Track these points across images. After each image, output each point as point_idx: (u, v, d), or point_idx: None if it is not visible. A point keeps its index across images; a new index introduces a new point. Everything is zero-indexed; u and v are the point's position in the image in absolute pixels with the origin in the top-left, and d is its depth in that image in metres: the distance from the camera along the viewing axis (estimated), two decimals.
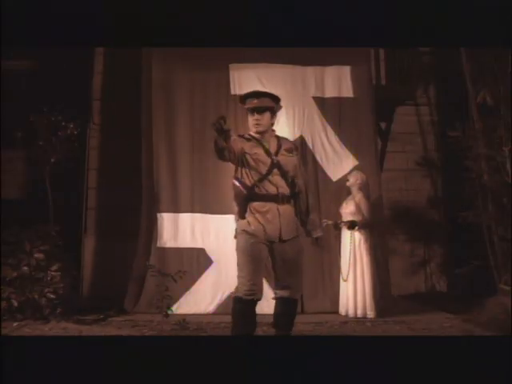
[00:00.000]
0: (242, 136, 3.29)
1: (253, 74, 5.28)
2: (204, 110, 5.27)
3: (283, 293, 3.19)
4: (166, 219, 5.19)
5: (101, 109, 6.25)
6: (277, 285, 3.24)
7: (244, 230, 3.14)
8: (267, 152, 3.22)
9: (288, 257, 3.18)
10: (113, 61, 6.28)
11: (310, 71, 5.43)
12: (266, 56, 5.30)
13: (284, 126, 5.05)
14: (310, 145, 5.33)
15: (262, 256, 3.16)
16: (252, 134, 3.30)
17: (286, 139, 3.48)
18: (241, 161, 3.19)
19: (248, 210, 3.16)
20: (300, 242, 3.30)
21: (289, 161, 3.27)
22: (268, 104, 3.28)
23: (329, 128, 5.37)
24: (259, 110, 3.25)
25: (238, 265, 3.16)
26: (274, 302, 3.26)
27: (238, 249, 3.19)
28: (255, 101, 3.26)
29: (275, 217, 3.16)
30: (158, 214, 5.19)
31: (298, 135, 5.30)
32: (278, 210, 3.17)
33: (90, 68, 6.24)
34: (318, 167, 5.32)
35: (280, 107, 5.20)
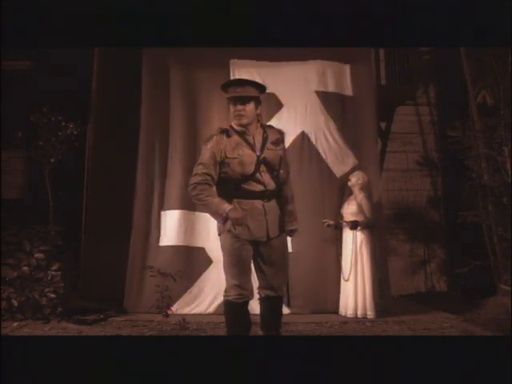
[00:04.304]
0: (223, 132, 3.08)
1: (254, 71, 5.27)
2: (206, 108, 5.27)
3: (269, 292, 3.10)
4: (166, 218, 5.18)
5: (102, 109, 6.23)
6: (263, 285, 3.12)
7: (229, 231, 2.99)
8: (252, 149, 3.04)
9: (276, 256, 3.08)
10: (109, 61, 6.26)
11: (312, 66, 5.40)
12: (267, 54, 5.28)
13: (286, 123, 5.04)
14: (313, 140, 5.29)
15: (249, 258, 3.05)
16: (234, 126, 3.09)
17: (272, 128, 3.23)
18: (222, 165, 3.02)
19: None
20: (285, 237, 3.21)
21: (275, 155, 3.09)
22: (252, 93, 3.03)
23: (332, 123, 5.34)
24: (242, 100, 3.00)
25: (225, 268, 3.08)
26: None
27: (223, 250, 3.09)
28: (238, 89, 3.01)
29: (261, 215, 3.03)
30: (162, 212, 5.18)
31: (299, 131, 5.28)
32: (263, 207, 3.05)
33: (90, 68, 6.23)
34: (323, 164, 5.29)
35: (282, 105, 5.30)
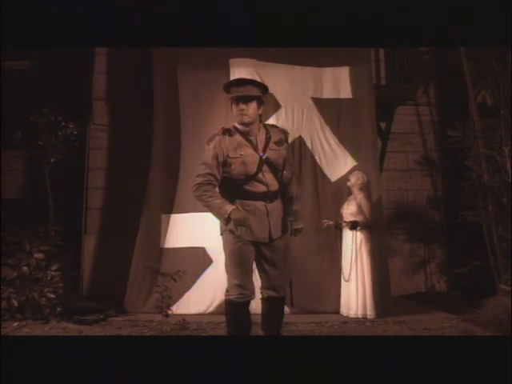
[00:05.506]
0: (225, 132, 3.08)
1: (253, 71, 5.27)
2: (207, 108, 5.27)
3: (272, 292, 3.11)
4: (167, 219, 5.20)
5: (102, 109, 6.25)
6: (265, 285, 3.13)
7: (230, 231, 3.01)
8: (255, 149, 3.04)
9: (278, 256, 3.09)
10: (116, 60, 6.28)
11: (309, 72, 5.42)
12: (266, 55, 5.29)
13: (283, 124, 5.04)
14: (308, 145, 5.32)
15: (250, 258, 3.05)
16: (237, 125, 3.11)
17: (275, 128, 3.26)
18: (225, 165, 3.03)
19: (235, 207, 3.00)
20: (289, 238, 3.20)
21: (278, 155, 3.09)
22: (254, 93, 3.06)
23: (327, 129, 5.37)
24: (244, 99, 3.02)
25: (226, 267, 3.09)
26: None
27: (225, 250, 3.10)
28: (240, 89, 3.04)
29: (263, 216, 3.03)
30: (162, 215, 5.20)
31: (297, 135, 5.30)
32: (266, 208, 3.04)
33: (90, 68, 6.24)
34: (317, 168, 5.32)
35: (280, 106, 5.31)
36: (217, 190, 3.06)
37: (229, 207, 2.95)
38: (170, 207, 5.22)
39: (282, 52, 5.25)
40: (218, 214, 3.02)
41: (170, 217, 5.21)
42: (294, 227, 3.22)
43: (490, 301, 4.84)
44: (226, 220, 2.96)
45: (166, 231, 5.19)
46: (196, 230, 5.09)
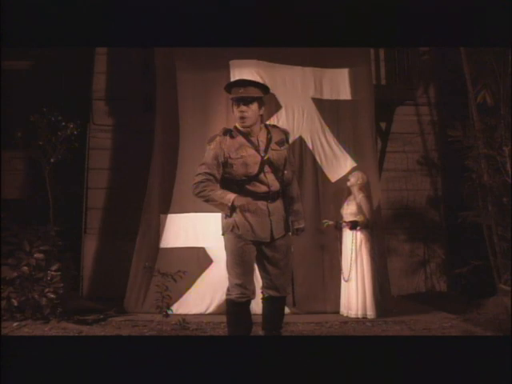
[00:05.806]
0: (226, 133, 3.07)
1: (254, 71, 5.28)
2: (206, 109, 5.28)
3: (273, 292, 3.10)
4: (167, 219, 5.20)
5: (102, 109, 6.25)
6: (266, 285, 3.12)
7: (232, 231, 3.00)
8: (256, 149, 3.04)
9: (279, 256, 3.08)
10: (116, 60, 6.29)
11: (310, 72, 5.43)
12: (266, 55, 5.30)
13: (284, 125, 5.05)
14: (309, 145, 5.33)
15: (252, 258, 3.05)
16: (238, 127, 3.09)
17: (276, 128, 3.25)
18: (226, 165, 3.02)
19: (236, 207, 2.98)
20: (290, 238, 3.20)
21: (280, 155, 3.09)
22: (255, 94, 3.02)
23: (327, 130, 5.37)
24: (245, 101, 3.00)
25: (228, 267, 3.08)
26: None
27: (226, 250, 3.09)
28: (241, 90, 3.01)
29: (265, 216, 3.02)
30: (162, 215, 5.20)
31: (297, 136, 5.31)
32: (267, 207, 3.03)
33: (90, 68, 6.25)
34: (317, 168, 5.32)
35: (280, 106, 5.32)
36: (217, 185, 3.05)
37: (231, 195, 2.95)
38: (169, 207, 5.22)
39: (282, 52, 5.25)
40: (221, 205, 2.99)
41: (169, 217, 5.21)
42: (295, 227, 3.22)
43: (490, 301, 4.85)
44: (230, 208, 2.95)
45: (165, 231, 5.20)
46: (196, 230, 5.10)
